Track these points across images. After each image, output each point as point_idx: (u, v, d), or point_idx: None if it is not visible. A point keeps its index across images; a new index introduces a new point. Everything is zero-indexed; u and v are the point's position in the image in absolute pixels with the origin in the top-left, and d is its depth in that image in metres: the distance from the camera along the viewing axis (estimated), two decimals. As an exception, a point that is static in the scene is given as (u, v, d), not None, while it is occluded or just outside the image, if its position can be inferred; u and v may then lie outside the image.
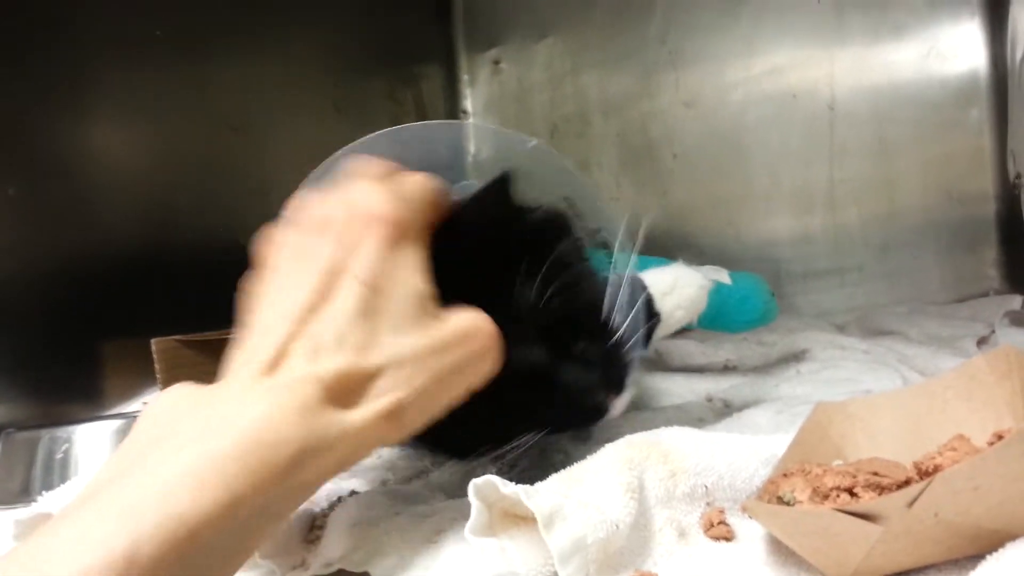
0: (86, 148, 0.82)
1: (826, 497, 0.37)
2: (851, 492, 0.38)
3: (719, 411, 0.72)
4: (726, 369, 0.91)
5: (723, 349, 0.97)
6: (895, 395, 0.50)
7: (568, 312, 0.49)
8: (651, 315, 0.64)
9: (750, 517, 0.40)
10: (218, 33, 0.98)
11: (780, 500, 0.36)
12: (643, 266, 0.74)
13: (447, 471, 0.57)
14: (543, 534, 0.36)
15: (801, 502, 0.36)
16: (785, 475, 0.41)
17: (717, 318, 0.81)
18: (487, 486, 0.38)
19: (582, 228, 0.56)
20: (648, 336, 0.64)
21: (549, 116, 1.35)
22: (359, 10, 1.22)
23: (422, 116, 1.33)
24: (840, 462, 0.44)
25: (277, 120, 1.04)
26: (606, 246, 0.57)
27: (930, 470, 0.38)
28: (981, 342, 0.91)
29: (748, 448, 0.45)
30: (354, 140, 1.18)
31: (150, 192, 0.87)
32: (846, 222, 1.20)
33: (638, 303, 0.53)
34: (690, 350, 0.97)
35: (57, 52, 0.78)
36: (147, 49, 0.88)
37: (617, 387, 0.53)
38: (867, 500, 0.37)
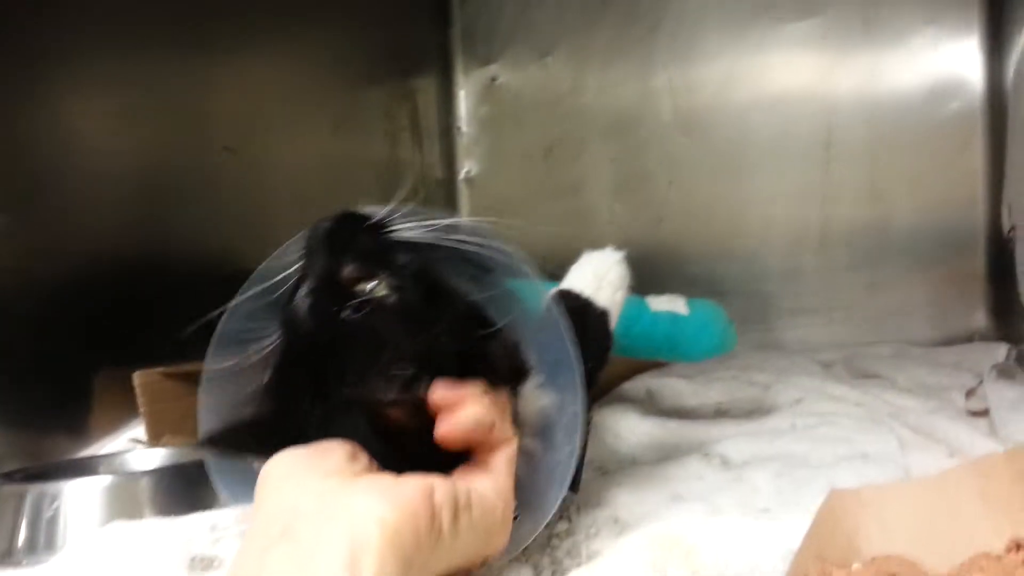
0: (76, 173, 0.79)
1: (856, 616, 0.36)
2: (875, 604, 0.38)
3: (716, 467, 0.72)
4: (719, 413, 0.91)
5: (713, 389, 0.97)
6: (908, 487, 0.50)
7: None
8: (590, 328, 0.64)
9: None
10: (213, 52, 0.95)
11: (812, 623, 0.36)
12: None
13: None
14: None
15: (835, 626, 0.35)
16: (805, 580, 0.41)
17: (676, 348, 0.82)
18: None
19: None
20: (606, 348, 0.65)
21: (545, 136, 1.34)
22: (358, 24, 1.19)
23: (417, 133, 1.31)
24: (858, 565, 0.43)
25: (273, 140, 1.02)
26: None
27: (959, 588, 0.38)
28: (969, 393, 0.92)
29: (767, 541, 0.45)
30: (352, 158, 1.15)
31: (141, 218, 0.84)
32: (836, 260, 1.21)
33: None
34: (680, 389, 0.97)
35: (48, 71, 0.76)
36: (140, 66, 0.85)
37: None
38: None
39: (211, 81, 0.95)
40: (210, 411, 0.52)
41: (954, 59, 1.17)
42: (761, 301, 1.21)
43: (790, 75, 1.23)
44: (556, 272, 0.70)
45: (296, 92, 1.08)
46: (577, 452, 0.48)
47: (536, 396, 0.54)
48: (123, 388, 0.73)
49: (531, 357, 0.52)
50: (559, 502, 0.48)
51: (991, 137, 1.15)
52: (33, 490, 0.55)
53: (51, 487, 0.54)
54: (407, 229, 0.48)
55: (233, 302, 0.52)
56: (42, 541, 0.53)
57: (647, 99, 1.28)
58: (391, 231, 0.48)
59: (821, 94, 1.22)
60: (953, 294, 1.17)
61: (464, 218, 0.51)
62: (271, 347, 0.47)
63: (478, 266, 0.53)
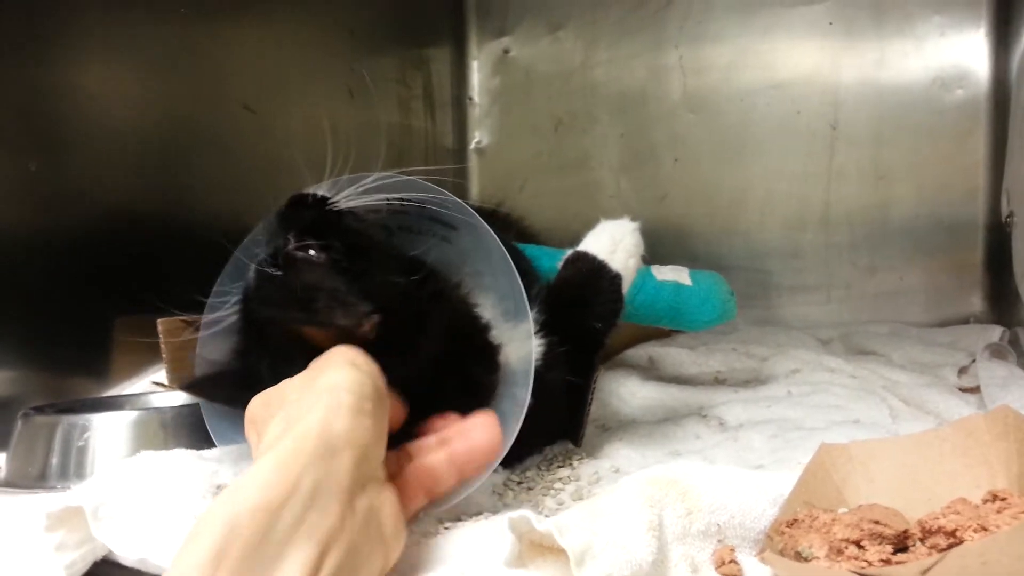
0: (97, 128, 0.81)
1: (840, 552, 0.39)
2: (859, 544, 0.41)
3: (714, 428, 0.75)
4: (717, 382, 0.93)
5: (713, 359, 1.00)
6: (894, 442, 0.53)
7: None
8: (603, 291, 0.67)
9: (767, 567, 0.42)
10: (231, 12, 0.97)
11: (798, 555, 0.38)
12: (540, 255, 0.78)
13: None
14: (575, 572, 0.38)
15: (818, 558, 0.38)
16: (795, 521, 0.44)
17: (678, 317, 0.84)
18: (522, 521, 0.39)
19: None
20: (617, 310, 0.68)
21: (555, 110, 1.36)
22: (374, -8, 1.21)
23: (429, 102, 1.33)
24: (844, 509, 0.46)
25: (291, 101, 1.03)
26: None
27: (933, 529, 0.41)
28: (962, 371, 0.95)
29: (758, 487, 0.47)
30: (366, 124, 1.17)
31: (161, 169, 0.86)
32: (837, 240, 1.23)
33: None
34: (682, 359, 1.00)
35: (69, 27, 0.77)
36: (161, 25, 0.87)
37: None
38: (876, 553, 0.40)
39: (231, 41, 0.97)
40: (203, 361, 0.59)
41: (960, 49, 1.18)
42: (762, 278, 1.23)
43: (798, 58, 1.24)
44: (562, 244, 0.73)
45: (313, 56, 1.09)
46: (528, 401, 0.51)
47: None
48: (143, 335, 0.75)
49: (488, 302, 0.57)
50: (508, 446, 0.50)
51: (994, 127, 1.16)
52: (64, 421, 0.57)
53: (81, 419, 0.57)
54: (350, 199, 0.56)
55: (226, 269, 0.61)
56: (72, 468, 0.56)
57: (657, 76, 1.30)
58: (335, 205, 0.56)
59: (828, 77, 1.23)
60: (951, 278, 1.19)
61: (417, 178, 0.56)
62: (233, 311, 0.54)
63: (445, 224, 0.59)
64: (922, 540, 0.41)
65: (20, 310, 0.70)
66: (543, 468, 0.61)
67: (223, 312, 0.56)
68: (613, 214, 0.71)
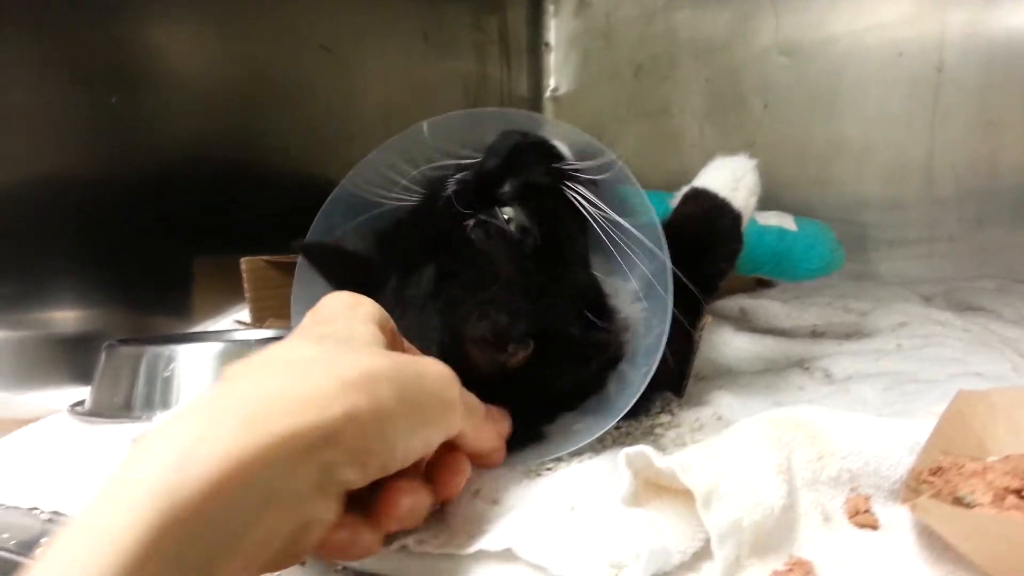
0: (174, 60, 0.80)
1: (1002, 500, 0.34)
2: (1019, 494, 0.36)
3: (819, 380, 0.70)
4: (815, 335, 0.88)
5: (808, 313, 0.94)
6: (1038, 390, 0.47)
7: None
8: (725, 230, 0.62)
9: (916, 516, 0.37)
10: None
11: (958, 501, 0.34)
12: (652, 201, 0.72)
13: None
14: (701, 513, 0.34)
15: (982, 504, 0.33)
16: (939, 469, 0.39)
17: (782, 264, 0.79)
18: (639, 457, 0.36)
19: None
20: (736, 251, 0.63)
21: (635, 55, 1.30)
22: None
23: (505, 47, 1.28)
24: (994, 458, 0.41)
25: (367, 43, 1.01)
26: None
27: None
28: (1083, 328, 0.87)
29: (894, 433, 0.43)
30: (440, 69, 1.14)
31: (240, 108, 0.85)
32: (941, 191, 1.14)
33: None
34: (775, 311, 0.94)
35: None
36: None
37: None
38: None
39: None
40: (300, 301, 0.53)
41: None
42: (858, 231, 1.16)
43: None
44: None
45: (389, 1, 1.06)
46: (652, 371, 0.47)
47: (630, 305, 0.53)
48: (224, 275, 0.74)
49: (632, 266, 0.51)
50: (625, 411, 0.47)
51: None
52: (149, 351, 0.56)
53: (167, 349, 0.56)
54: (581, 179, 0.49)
55: (326, 205, 0.54)
56: (158, 398, 0.55)
57: (745, 17, 1.22)
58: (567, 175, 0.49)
59: (933, 19, 1.14)
60: (1065, 232, 1.10)
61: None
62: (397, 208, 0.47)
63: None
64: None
65: (102, 247, 0.69)
66: (641, 414, 0.57)
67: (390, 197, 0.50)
68: (695, 164, 0.66)
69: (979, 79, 1.12)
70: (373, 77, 1.01)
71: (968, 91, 1.13)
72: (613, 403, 0.49)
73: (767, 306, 0.93)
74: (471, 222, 0.48)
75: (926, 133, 1.14)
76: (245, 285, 0.70)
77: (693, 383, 0.67)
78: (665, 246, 0.49)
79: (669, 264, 0.48)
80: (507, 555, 0.35)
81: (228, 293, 0.74)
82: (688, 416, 0.56)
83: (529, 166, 0.49)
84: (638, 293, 0.53)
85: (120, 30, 0.74)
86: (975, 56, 1.12)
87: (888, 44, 1.16)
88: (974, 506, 0.34)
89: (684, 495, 0.35)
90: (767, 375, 0.70)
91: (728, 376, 0.70)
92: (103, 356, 0.58)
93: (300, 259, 0.53)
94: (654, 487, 0.38)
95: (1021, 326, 0.87)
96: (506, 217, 0.49)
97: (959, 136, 1.13)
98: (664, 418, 0.56)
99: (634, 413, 0.56)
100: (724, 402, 0.60)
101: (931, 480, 0.38)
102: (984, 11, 1.11)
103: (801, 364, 0.73)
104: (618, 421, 0.55)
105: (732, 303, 0.94)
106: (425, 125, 0.52)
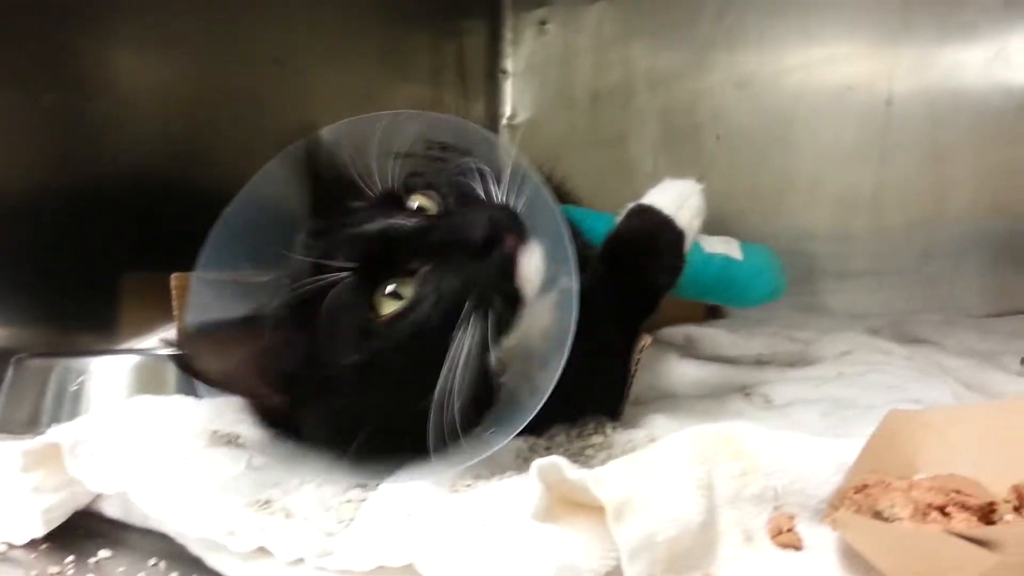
0: (120, 69, 0.78)
1: (924, 516, 0.33)
2: (943, 511, 0.35)
3: (759, 406, 0.69)
4: (759, 363, 0.87)
5: (754, 342, 0.94)
6: (972, 409, 0.47)
7: None
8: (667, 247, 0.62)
9: (835, 530, 0.36)
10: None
11: (878, 515, 0.33)
12: (583, 218, 0.72)
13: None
14: (611, 527, 0.32)
15: (902, 519, 0.32)
16: (864, 487, 0.38)
17: (728, 292, 0.78)
18: (551, 468, 0.34)
19: None
20: (677, 269, 0.63)
21: (592, 84, 1.30)
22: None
23: (462, 73, 1.28)
24: (922, 476, 0.40)
25: (322, 62, 1.00)
26: None
27: (1033, 496, 0.35)
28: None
29: (821, 452, 0.42)
30: (396, 92, 1.13)
31: (186, 122, 0.83)
32: (890, 224, 1.15)
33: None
34: (721, 340, 0.93)
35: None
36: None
37: None
38: (962, 522, 0.34)
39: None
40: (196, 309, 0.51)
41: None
42: (807, 262, 1.17)
43: (852, 31, 1.17)
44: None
45: (344, 15, 1.05)
46: (560, 372, 0.45)
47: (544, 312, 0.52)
48: (152, 293, 0.71)
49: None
50: (533, 413, 0.45)
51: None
52: (59, 364, 0.53)
53: (77, 362, 0.53)
54: None
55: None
56: (65, 413, 0.52)
57: (701, 49, 1.24)
58: None
59: (883, 54, 1.16)
60: (1011, 267, 1.12)
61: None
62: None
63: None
64: (1017, 509, 0.36)
65: (24, 260, 0.66)
66: (573, 435, 0.56)
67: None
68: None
69: (927, 114, 1.14)
70: (328, 96, 1.00)
71: (916, 125, 1.14)
72: (525, 409, 0.47)
73: (713, 335, 0.92)
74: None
75: (875, 166, 1.16)
76: (174, 303, 0.68)
77: (631, 407, 0.66)
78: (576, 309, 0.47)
79: (576, 286, 0.47)
80: (408, 571, 0.34)
81: (156, 311, 0.71)
82: (621, 438, 0.55)
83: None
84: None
85: (60, 33, 0.72)
86: (923, 91, 1.14)
87: (839, 78, 1.18)
88: (894, 520, 0.33)
89: (599, 511, 0.34)
90: (706, 400, 0.69)
91: (668, 400, 0.69)
92: (11, 370, 0.55)
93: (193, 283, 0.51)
94: (570, 504, 0.36)
95: (963, 357, 0.88)
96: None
97: (907, 170, 1.15)
98: (596, 439, 0.55)
99: (557, 428, 0.55)
100: (659, 424, 0.59)
101: (854, 498, 0.37)
102: (933, 47, 1.13)
103: (742, 390, 0.72)
104: (548, 439, 0.54)
105: (678, 331, 0.93)
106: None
